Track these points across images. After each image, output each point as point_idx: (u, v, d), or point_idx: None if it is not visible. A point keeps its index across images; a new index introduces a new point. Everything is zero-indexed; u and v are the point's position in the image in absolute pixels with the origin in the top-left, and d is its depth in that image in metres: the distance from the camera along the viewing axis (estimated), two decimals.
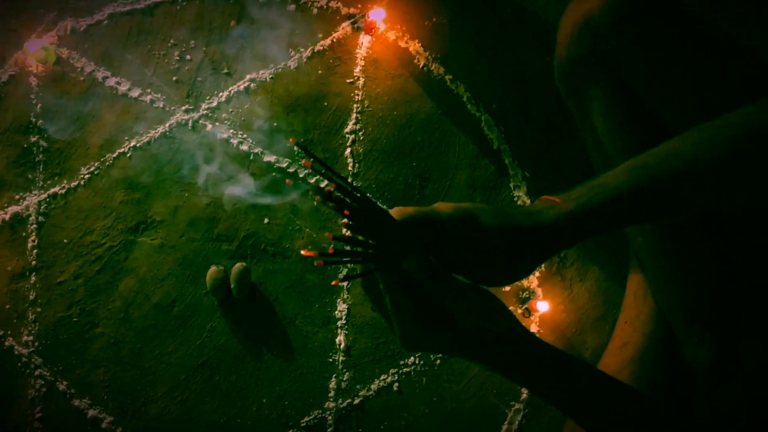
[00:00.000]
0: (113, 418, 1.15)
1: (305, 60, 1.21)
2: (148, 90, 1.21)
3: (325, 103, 1.20)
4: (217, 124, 1.20)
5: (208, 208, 1.19)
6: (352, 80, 1.21)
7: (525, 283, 1.15)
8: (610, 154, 0.98)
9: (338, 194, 0.57)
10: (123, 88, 1.21)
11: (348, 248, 0.60)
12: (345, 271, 1.15)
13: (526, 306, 1.16)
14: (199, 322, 1.16)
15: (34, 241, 1.18)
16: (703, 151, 0.66)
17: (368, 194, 1.17)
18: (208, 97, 1.21)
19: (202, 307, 1.17)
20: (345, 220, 0.57)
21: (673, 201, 0.66)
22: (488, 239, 0.62)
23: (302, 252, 0.58)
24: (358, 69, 1.21)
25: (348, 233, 0.60)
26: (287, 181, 0.62)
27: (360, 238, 0.59)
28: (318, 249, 1.15)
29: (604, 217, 0.65)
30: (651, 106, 0.90)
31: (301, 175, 1.18)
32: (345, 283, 1.15)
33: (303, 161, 0.57)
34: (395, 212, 0.61)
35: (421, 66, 1.21)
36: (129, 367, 1.16)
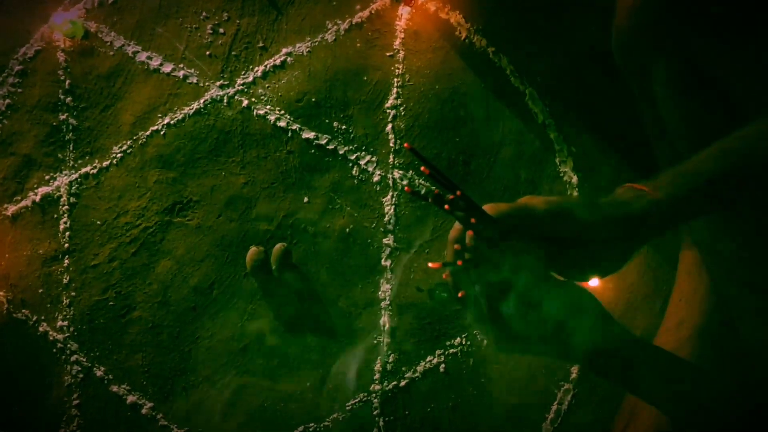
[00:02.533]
0: (153, 404, 1.12)
1: (343, 33, 1.17)
2: (181, 65, 1.16)
3: (365, 78, 1.16)
4: (253, 99, 1.16)
5: (246, 188, 1.15)
6: (391, 53, 1.17)
7: None
8: (672, 130, 0.95)
9: (462, 203, 0.54)
10: (154, 63, 1.16)
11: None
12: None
13: None
14: (239, 305, 1.13)
15: (66, 222, 1.14)
16: None
17: (414, 180, 1.14)
18: (243, 72, 1.16)
19: (242, 289, 1.13)
20: (470, 231, 0.54)
21: None
22: (583, 233, 0.60)
23: (430, 265, 0.55)
24: (397, 42, 1.17)
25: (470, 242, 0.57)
26: (406, 189, 0.59)
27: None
28: (368, 236, 1.12)
29: (697, 204, 0.63)
30: (722, 79, 0.87)
31: (341, 152, 1.15)
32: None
33: (422, 168, 0.54)
34: (489, 208, 0.58)
35: (462, 38, 1.17)
36: (168, 351, 1.12)
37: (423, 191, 0.64)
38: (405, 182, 1.14)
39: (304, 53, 1.17)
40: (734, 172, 0.63)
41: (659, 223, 0.62)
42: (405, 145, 0.56)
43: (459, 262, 0.54)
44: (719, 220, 0.95)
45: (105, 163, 1.15)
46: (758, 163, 0.64)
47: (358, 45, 1.17)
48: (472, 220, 0.53)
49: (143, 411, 1.11)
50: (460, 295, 0.58)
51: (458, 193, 0.53)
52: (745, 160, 0.64)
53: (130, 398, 1.11)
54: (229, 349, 1.12)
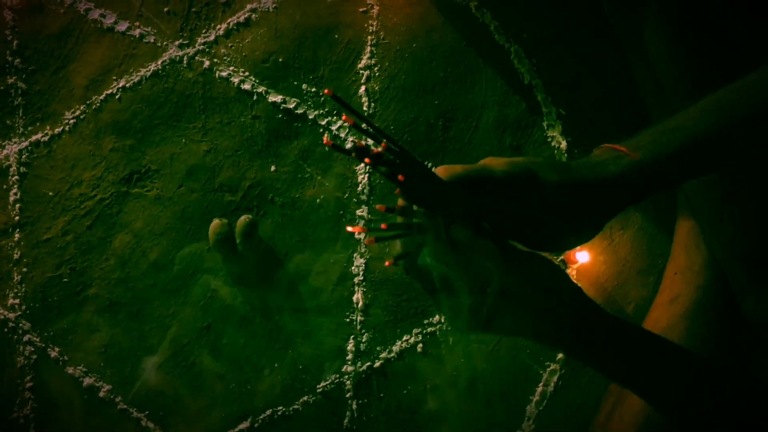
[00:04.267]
0: (111, 387, 1.06)
1: None
2: (137, 23, 1.08)
3: (336, 36, 1.08)
4: (215, 60, 1.07)
5: (208, 156, 1.07)
6: (365, 9, 1.08)
7: None
8: (666, 83, 0.87)
9: (390, 156, 0.46)
10: (108, 22, 1.08)
11: (400, 220, 0.50)
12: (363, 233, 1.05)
13: (562, 257, 1.06)
14: (202, 281, 1.06)
15: (16, 194, 1.07)
16: None
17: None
18: (204, 31, 1.08)
19: (205, 264, 1.06)
20: (398, 190, 0.47)
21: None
22: (550, 198, 0.53)
23: (348, 228, 0.48)
24: None
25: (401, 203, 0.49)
26: (325, 140, 0.51)
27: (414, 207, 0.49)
28: (340, 207, 1.05)
29: (681, 166, 0.56)
30: (719, 19, 0.79)
31: (311, 117, 1.07)
32: (364, 237, 1.05)
33: (343, 117, 0.47)
34: (441, 171, 0.51)
35: None
36: (127, 331, 1.06)
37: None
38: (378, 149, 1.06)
39: (270, 9, 1.08)
40: (726, 130, 0.56)
41: (638, 188, 0.55)
42: (326, 90, 0.47)
43: (358, 229, 0.47)
44: (719, 187, 0.87)
45: (57, 130, 1.07)
46: (754, 119, 0.57)
47: (329, 0, 1.08)
48: (400, 177, 0.45)
49: (101, 394, 1.06)
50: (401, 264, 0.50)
51: (383, 144, 0.45)
52: (738, 116, 0.57)
53: (87, 380, 1.06)
54: (192, 328, 1.06)
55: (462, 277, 0.49)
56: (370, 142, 0.97)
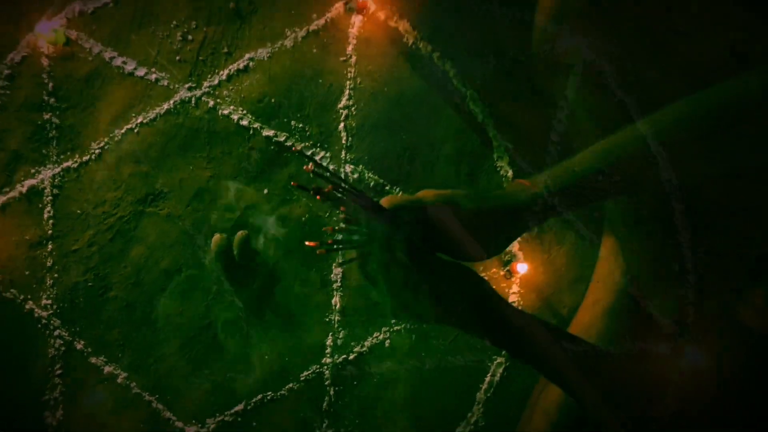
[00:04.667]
0: (127, 374, 1.24)
1: (301, 39, 1.28)
2: (153, 69, 1.28)
3: (320, 80, 1.28)
4: (218, 100, 1.28)
5: (212, 180, 1.27)
6: (345, 58, 1.28)
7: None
8: (582, 128, 1.06)
9: (335, 194, 0.66)
10: (129, 68, 1.28)
11: (342, 237, 0.70)
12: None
13: (507, 268, 1.25)
14: (204, 286, 1.25)
15: (49, 212, 1.26)
16: (663, 134, 0.74)
17: (364, 173, 1.26)
18: (209, 76, 1.28)
19: (207, 272, 1.26)
20: (342, 216, 0.67)
21: (635, 181, 0.75)
22: (467, 222, 0.71)
23: (306, 243, 0.68)
24: (350, 48, 1.28)
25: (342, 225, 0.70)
26: (293, 183, 0.71)
27: (355, 228, 0.69)
28: (321, 224, 1.24)
29: (570, 198, 0.75)
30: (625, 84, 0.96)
31: (298, 148, 1.27)
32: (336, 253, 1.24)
33: (305, 168, 0.68)
34: (385, 201, 0.70)
35: (410, 44, 1.28)
36: (140, 327, 1.25)
37: (361, 185, 0.77)
38: (356, 176, 1.26)
39: (265, 58, 1.28)
40: (602, 171, 0.74)
41: (536, 213, 0.74)
42: (294, 147, 0.69)
43: (314, 244, 0.67)
44: (631, 211, 1.06)
45: (85, 158, 1.27)
46: (625, 163, 0.74)
47: (315, 51, 1.28)
48: (341, 208, 0.65)
49: (118, 380, 1.24)
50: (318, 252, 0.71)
51: (329, 187, 0.65)
52: (614, 161, 0.75)
53: (107, 369, 1.24)
54: (195, 325, 1.25)
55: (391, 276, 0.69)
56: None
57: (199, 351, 1.24)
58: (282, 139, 1.27)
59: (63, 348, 1.25)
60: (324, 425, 1.23)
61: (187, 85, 1.28)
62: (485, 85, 1.28)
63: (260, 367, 1.24)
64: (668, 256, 1.03)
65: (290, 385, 1.24)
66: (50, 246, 1.26)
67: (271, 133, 1.27)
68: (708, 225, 1.00)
